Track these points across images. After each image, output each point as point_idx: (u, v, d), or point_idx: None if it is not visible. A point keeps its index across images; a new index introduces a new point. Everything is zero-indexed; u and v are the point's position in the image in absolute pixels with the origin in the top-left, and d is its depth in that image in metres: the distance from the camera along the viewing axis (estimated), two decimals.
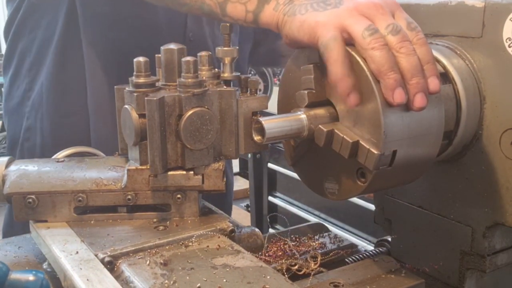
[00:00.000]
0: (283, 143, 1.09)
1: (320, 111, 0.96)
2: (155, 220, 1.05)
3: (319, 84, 0.96)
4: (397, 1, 1.11)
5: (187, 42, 1.58)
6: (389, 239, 1.24)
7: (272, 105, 1.10)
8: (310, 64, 0.97)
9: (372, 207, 1.28)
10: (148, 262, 0.91)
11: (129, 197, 1.03)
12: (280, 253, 1.20)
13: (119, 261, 0.92)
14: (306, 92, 0.96)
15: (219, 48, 1.08)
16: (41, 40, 1.56)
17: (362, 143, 0.90)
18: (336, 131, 0.93)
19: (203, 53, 1.06)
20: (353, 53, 0.90)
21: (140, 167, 1.02)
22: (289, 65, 1.04)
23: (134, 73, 1.01)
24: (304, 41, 0.97)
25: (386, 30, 0.90)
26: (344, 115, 0.95)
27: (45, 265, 1.03)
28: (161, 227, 1.02)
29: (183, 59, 0.99)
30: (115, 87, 1.07)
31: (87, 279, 0.85)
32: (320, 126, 0.94)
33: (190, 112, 0.98)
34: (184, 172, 1.02)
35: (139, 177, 1.02)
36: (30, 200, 1.03)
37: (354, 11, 0.92)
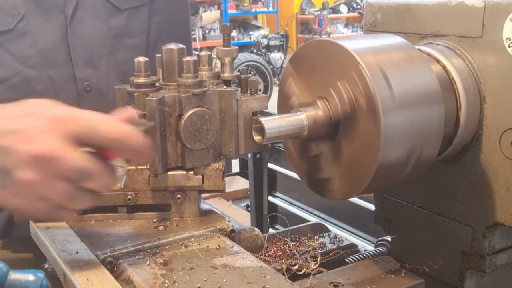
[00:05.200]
0: (283, 143, 1.09)
1: (320, 111, 0.96)
2: (155, 220, 1.05)
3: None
4: (398, 1, 1.11)
5: (83, 93, 1.47)
6: (389, 239, 1.24)
7: (272, 105, 1.09)
8: (309, 64, 0.97)
9: (372, 207, 1.28)
10: (148, 262, 0.91)
11: (129, 197, 1.03)
12: (280, 253, 1.20)
13: (119, 261, 0.92)
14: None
15: (219, 48, 1.08)
16: None
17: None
18: None
19: (203, 53, 1.06)
20: (353, 54, 0.90)
21: (140, 167, 1.02)
22: (289, 65, 1.04)
23: (134, 73, 1.01)
24: None
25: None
26: None
27: (45, 265, 1.03)
28: (161, 227, 1.02)
29: (183, 59, 0.99)
30: (115, 87, 1.07)
31: (87, 279, 0.85)
32: None
33: (190, 112, 0.98)
34: (184, 172, 1.02)
35: (139, 177, 1.02)
36: None
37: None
